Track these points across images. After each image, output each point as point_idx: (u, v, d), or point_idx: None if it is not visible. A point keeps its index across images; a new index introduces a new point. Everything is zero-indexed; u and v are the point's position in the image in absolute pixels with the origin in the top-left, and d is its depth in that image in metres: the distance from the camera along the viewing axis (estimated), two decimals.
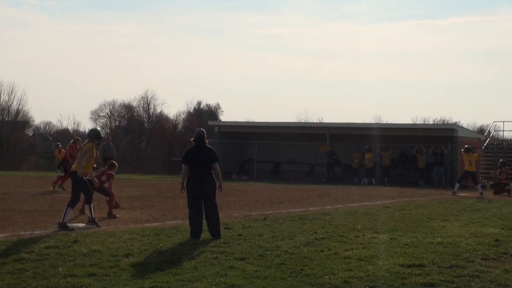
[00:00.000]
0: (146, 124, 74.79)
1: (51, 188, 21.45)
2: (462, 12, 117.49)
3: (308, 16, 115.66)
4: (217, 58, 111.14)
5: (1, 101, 63.99)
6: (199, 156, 10.85)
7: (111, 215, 13.59)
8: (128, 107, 76.45)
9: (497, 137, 43.22)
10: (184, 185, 10.98)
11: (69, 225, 11.52)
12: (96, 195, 13.11)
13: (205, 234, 10.74)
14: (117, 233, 10.83)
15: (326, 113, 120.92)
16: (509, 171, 24.25)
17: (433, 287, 7.27)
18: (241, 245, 9.82)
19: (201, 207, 10.82)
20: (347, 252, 9.26)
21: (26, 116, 69.23)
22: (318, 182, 30.21)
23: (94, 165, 17.58)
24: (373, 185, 29.04)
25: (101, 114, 75.99)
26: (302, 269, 8.00)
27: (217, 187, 10.94)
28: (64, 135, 75.84)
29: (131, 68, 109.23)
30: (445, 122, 72.08)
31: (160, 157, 58.93)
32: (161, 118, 74.25)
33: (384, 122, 62.68)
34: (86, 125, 78.23)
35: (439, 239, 10.68)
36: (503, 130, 40.09)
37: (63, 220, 11.42)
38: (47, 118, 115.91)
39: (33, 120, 74.77)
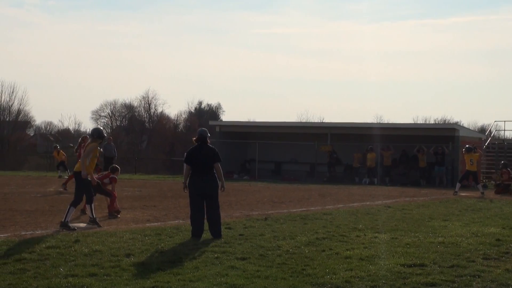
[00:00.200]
0: (147, 124, 74.82)
1: (61, 189, 21.29)
2: (463, 11, 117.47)
3: (309, 15, 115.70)
4: (218, 57, 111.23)
5: (2, 101, 64.10)
6: (201, 156, 10.84)
7: (112, 215, 13.59)
8: (129, 107, 76.54)
9: (498, 137, 43.22)
10: (187, 184, 10.99)
11: (71, 225, 11.52)
12: (97, 195, 13.10)
13: (206, 234, 10.74)
14: (118, 233, 10.83)
15: (327, 113, 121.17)
16: (511, 172, 24.22)
17: (434, 286, 7.26)
18: (242, 245, 9.81)
19: (203, 207, 10.82)
20: (348, 252, 9.26)
21: (27, 116, 69.37)
22: (319, 182, 30.21)
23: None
24: (374, 184, 29.03)
25: (102, 114, 76.12)
26: (303, 269, 8.00)
27: (219, 187, 10.95)
28: (65, 135, 75.99)
29: (132, 68, 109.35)
30: (446, 122, 72.13)
31: (161, 157, 58.94)
32: (162, 118, 74.26)
33: (385, 122, 62.74)
34: (87, 125, 78.40)
35: (440, 239, 10.67)
36: (504, 130, 40.22)
37: (65, 219, 11.43)
38: (48, 118, 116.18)
39: (34, 120, 74.96)
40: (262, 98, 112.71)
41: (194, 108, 79.89)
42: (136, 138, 70.57)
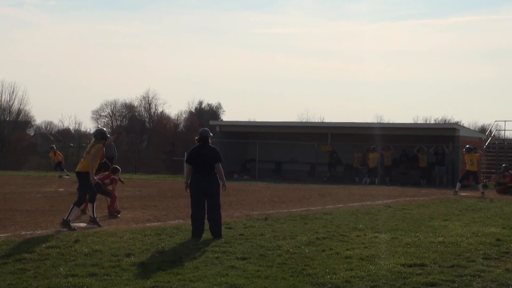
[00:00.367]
0: (147, 124, 74.84)
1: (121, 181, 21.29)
2: (463, 11, 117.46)
3: (309, 15, 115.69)
4: (218, 57, 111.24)
5: (3, 101, 64.13)
6: (202, 156, 10.86)
7: (112, 215, 13.59)
8: (129, 107, 76.54)
9: (499, 137, 43.24)
10: (189, 184, 11.00)
11: (72, 224, 11.51)
12: (97, 195, 13.11)
13: (206, 234, 10.73)
14: (118, 233, 10.83)
15: (328, 113, 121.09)
16: None
17: (434, 286, 7.26)
18: (242, 244, 9.81)
19: (204, 206, 10.82)
20: (348, 252, 9.25)
21: (27, 116, 69.41)
22: (319, 182, 30.21)
23: None
24: (375, 184, 29.03)
25: (103, 113, 76.12)
26: (303, 269, 7.99)
27: (221, 187, 10.95)
28: (65, 135, 76.06)
29: (133, 68, 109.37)
30: (447, 122, 72.11)
31: (161, 157, 58.95)
32: (163, 118, 74.27)
33: (386, 122, 62.74)
34: (88, 125, 78.42)
35: (440, 239, 10.67)
36: (505, 130, 40.20)
37: (67, 217, 11.45)
38: (48, 118, 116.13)
39: (34, 120, 75.01)
40: (262, 98, 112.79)
41: (194, 108, 79.97)
42: (137, 138, 70.58)
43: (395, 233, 11.30)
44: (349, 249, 9.54)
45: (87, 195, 12.12)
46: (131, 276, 7.44)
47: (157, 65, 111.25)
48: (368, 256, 8.92)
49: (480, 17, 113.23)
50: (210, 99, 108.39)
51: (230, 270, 7.84)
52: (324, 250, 9.42)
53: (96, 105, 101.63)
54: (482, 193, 22.28)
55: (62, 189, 21.64)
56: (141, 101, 74.92)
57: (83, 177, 11.96)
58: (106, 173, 14.70)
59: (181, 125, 74.87)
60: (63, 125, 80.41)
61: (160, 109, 75.51)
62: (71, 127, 78.60)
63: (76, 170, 12.26)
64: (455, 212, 15.62)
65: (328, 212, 14.99)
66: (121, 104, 76.27)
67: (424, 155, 29.98)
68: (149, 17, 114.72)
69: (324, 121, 65.85)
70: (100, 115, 75.90)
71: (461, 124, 52.69)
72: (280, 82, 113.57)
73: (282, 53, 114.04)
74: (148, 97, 74.28)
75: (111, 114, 76.30)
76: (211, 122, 41.74)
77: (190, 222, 10.98)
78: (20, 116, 66.87)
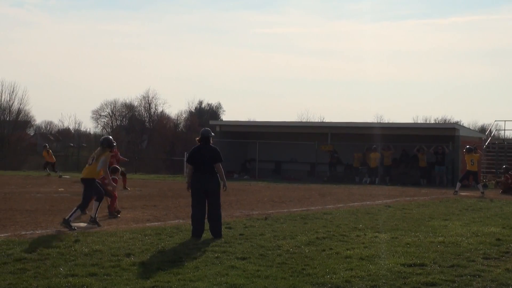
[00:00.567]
0: (147, 124, 74.80)
1: (128, 188, 21.69)
2: (463, 11, 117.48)
3: (310, 15, 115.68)
4: (218, 57, 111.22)
5: (3, 100, 64.02)
6: (202, 156, 10.87)
7: (112, 215, 13.60)
8: (129, 107, 76.47)
9: (499, 136, 43.28)
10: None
11: (73, 224, 11.51)
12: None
13: (206, 234, 10.74)
14: (118, 232, 10.83)
15: (328, 113, 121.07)
16: None
17: (434, 286, 7.26)
18: (242, 244, 9.81)
19: (205, 206, 10.83)
20: (348, 252, 9.26)
21: (27, 115, 69.29)
22: (319, 182, 30.21)
23: None
24: (375, 184, 29.03)
25: (103, 113, 76.04)
26: (303, 269, 8.00)
27: (221, 187, 10.96)
28: (65, 135, 76.06)
29: (133, 68, 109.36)
30: (447, 121, 72.07)
31: (161, 157, 58.92)
32: (163, 118, 74.24)
33: (386, 122, 62.73)
34: (88, 125, 78.40)
35: (440, 239, 10.67)
36: (504, 130, 40.28)
37: (69, 217, 11.46)
38: (48, 118, 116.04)
39: (34, 120, 74.90)
40: (262, 98, 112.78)
41: (194, 108, 79.93)
42: (137, 138, 70.54)
43: (395, 233, 11.30)
44: (349, 248, 9.54)
45: (84, 200, 12.18)
46: (131, 276, 7.45)
47: (157, 65, 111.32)
48: (368, 256, 8.92)
49: (480, 17, 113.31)
50: (210, 99, 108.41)
51: (230, 270, 7.84)
52: (324, 250, 9.42)
53: (96, 105, 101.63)
54: (482, 193, 22.31)
55: (62, 189, 21.64)
56: (141, 101, 74.89)
57: (88, 183, 12.09)
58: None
59: (181, 125, 74.85)
60: (63, 125, 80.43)
61: (160, 109, 75.50)
62: (71, 127, 78.58)
63: (81, 176, 12.34)
64: (455, 212, 15.62)
65: (328, 212, 14.99)
66: (121, 104, 76.26)
67: (424, 155, 29.98)
68: (149, 17, 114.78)
69: (324, 120, 65.89)
70: (100, 115, 75.88)
71: (461, 124, 52.72)
72: (280, 82, 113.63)
73: (282, 53, 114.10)
74: (148, 97, 74.26)
75: (111, 114, 76.28)
76: (211, 122, 41.75)
77: (190, 222, 10.99)
78: (20, 116, 66.78)
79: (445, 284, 7.32)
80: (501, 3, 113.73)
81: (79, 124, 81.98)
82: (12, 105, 64.62)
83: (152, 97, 74.27)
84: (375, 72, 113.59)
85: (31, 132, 76.70)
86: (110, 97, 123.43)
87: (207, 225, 10.82)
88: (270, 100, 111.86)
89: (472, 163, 22.82)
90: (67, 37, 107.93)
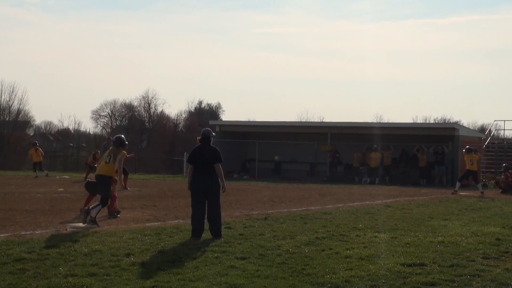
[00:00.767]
0: (147, 124, 74.82)
1: (128, 188, 21.54)
2: (463, 11, 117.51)
3: (310, 15, 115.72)
4: (218, 57, 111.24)
5: (2, 100, 64.07)
6: (202, 156, 10.88)
7: (112, 215, 13.60)
8: (129, 107, 76.51)
9: (498, 136, 43.27)
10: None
11: (71, 224, 11.68)
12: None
13: (206, 234, 10.74)
14: (118, 232, 10.83)
15: (327, 112, 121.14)
16: None
17: (434, 286, 7.27)
18: (242, 244, 9.81)
19: (205, 205, 10.83)
20: (348, 252, 9.26)
21: (27, 115, 69.32)
22: (319, 181, 30.21)
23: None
24: (374, 184, 29.03)
25: (102, 113, 76.09)
26: (303, 269, 8.00)
27: (220, 187, 10.96)
28: (65, 135, 76.05)
29: (132, 68, 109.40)
30: (446, 121, 72.12)
31: (161, 157, 58.94)
32: (162, 118, 74.25)
33: (385, 121, 62.75)
34: (87, 125, 78.36)
35: (440, 238, 10.67)
36: (504, 129, 40.24)
37: (95, 216, 11.94)
38: (48, 118, 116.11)
39: (34, 120, 74.90)
40: (262, 98, 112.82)
41: (194, 108, 79.95)
42: (136, 138, 70.54)
43: (394, 233, 11.30)
44: (349, 248, 9.54)
45: (105, 197, 12.53)
46: (130, 276, 7.45)
47: (157, 65, 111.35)
48: (368, 256, 8.93)
49: (480, 17, 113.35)
50: (210, 99, 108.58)
51: (230, 270, 7.84)
52: (323, 250, 9.42)
53: (95, 105, 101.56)
54: (482, 192, 22.31)
55: (61, 189, 21.63)
56: (140, 101, 74.97)
57: (105, 180, 12.63)
58: None
59: (181, 125, 74.89)
60: (62, 125, 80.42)
61: (159, 109, 75.57)
62: (71, 127, 78.60)
63: (98, 173, 12.87)
64: (454, 212, 15.62)
65: (327, 212, 14.99)
66: (121, 104, 76.33)
67: (423, 154, 29.98)
68: (149, 17, 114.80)
69: (323, 120, 65.90)
70: (100, 115, 75.93)
71: (461, 124, 52.74)
72: (280, 82, 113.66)
73: (282, 52, 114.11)
74: (148, 97, 74.33)
75: (110, 114, 76.31)
76: (211, 122, 41.75)
77: (190, 222, 10.99)
78: (20, 116, 66.81)
79: (445, 284, 7.32)
80: (501, 3, 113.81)
81: (78, 124, 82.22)
82: (11, 105, 64.69)
83: (152, 97, 74.38)
84: (375, 72, 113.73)
85: (30, 132, 76.64)
86: (110, 97, 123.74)
87: (206, 225, 10.83)
88: (270, 100, 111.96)
89: (472, 163, 22.83)
90: (67, 37, 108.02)
